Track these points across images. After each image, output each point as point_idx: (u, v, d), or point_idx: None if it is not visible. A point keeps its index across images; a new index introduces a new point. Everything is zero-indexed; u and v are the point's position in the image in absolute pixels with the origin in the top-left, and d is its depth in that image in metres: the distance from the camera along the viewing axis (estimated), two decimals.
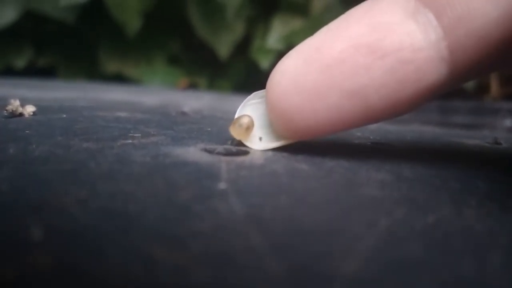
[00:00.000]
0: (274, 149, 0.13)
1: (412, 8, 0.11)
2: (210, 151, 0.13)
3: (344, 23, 0.12)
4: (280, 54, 0.69)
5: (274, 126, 0.13)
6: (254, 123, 0.13)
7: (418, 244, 0.08)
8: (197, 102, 0.43)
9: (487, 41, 0.11)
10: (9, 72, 0.68)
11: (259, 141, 0.14)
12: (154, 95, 0.46)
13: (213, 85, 0.79)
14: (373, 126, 0.23)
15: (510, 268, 0.07)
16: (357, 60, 0.11)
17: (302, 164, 0.12)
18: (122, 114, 0.21)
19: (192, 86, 0.77)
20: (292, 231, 0.08)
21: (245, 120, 0.13)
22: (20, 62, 0.71)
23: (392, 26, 0.11)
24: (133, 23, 0.67)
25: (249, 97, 0.14)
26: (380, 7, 0.11)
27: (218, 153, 0.13)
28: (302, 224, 0.08)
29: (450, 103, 0.50)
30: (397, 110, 0.12)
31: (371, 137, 0.18)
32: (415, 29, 0.11)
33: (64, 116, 0.18)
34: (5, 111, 0.17)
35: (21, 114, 0.17)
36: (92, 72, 0.74)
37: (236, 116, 0.14)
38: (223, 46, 0.72)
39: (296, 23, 0.73)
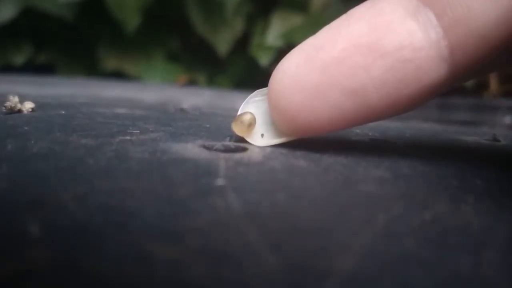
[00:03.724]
0: (273, 146, 0.14)
1: (412, 8, 0.11)
2: (208, 148, 0.13)
3: (345, 22, 0.12)
4: (279, 51, 0.68)
5: (276, 123, 0.13)
6: (256, 120, 0.13)
7: (415, 240, 0.08)
8: (196, 99, 0.43)
9: (487, 40, 0.11)
10: (8, 68, 0.68)
11: (261, 138, 0.14)
12: (153, 92, 0.46)
13: (212, 82, 0.79)
14: (372, 123, 0.23)
15: (507, 265, 0.07)
16: (357, 59, 0.11)
17: (300, 161, 0.12)
18: (121, 110, 0.21)
19: (192, 83, 0.77)
20: (289, 228, 0.08)
21: (247, 117, 0.13)
22: (19, 59, 0.71)
23: (393, 25, 0.11)
24: (132, 20, 0.66)
25: (252, 94, 0.14)
26: (381, 6, 0.11)
27: (217, 150, 0.13)
28: (299, 220, 0.08)
29: (450, 100, 0.50)
30: (397, 109, 0.12)
31: (370, 134, 0.18)
32: (415, 28, 0.11)
33: (63, 112, 0.18)
34: (4, 108, 0.17)
35: (20, 111, 0.17)
36: (91, 68, 0.74)
37: (238, 113, 0.14)
38: (223, 43, 0.72)
39: (295, 20, 0.72)
